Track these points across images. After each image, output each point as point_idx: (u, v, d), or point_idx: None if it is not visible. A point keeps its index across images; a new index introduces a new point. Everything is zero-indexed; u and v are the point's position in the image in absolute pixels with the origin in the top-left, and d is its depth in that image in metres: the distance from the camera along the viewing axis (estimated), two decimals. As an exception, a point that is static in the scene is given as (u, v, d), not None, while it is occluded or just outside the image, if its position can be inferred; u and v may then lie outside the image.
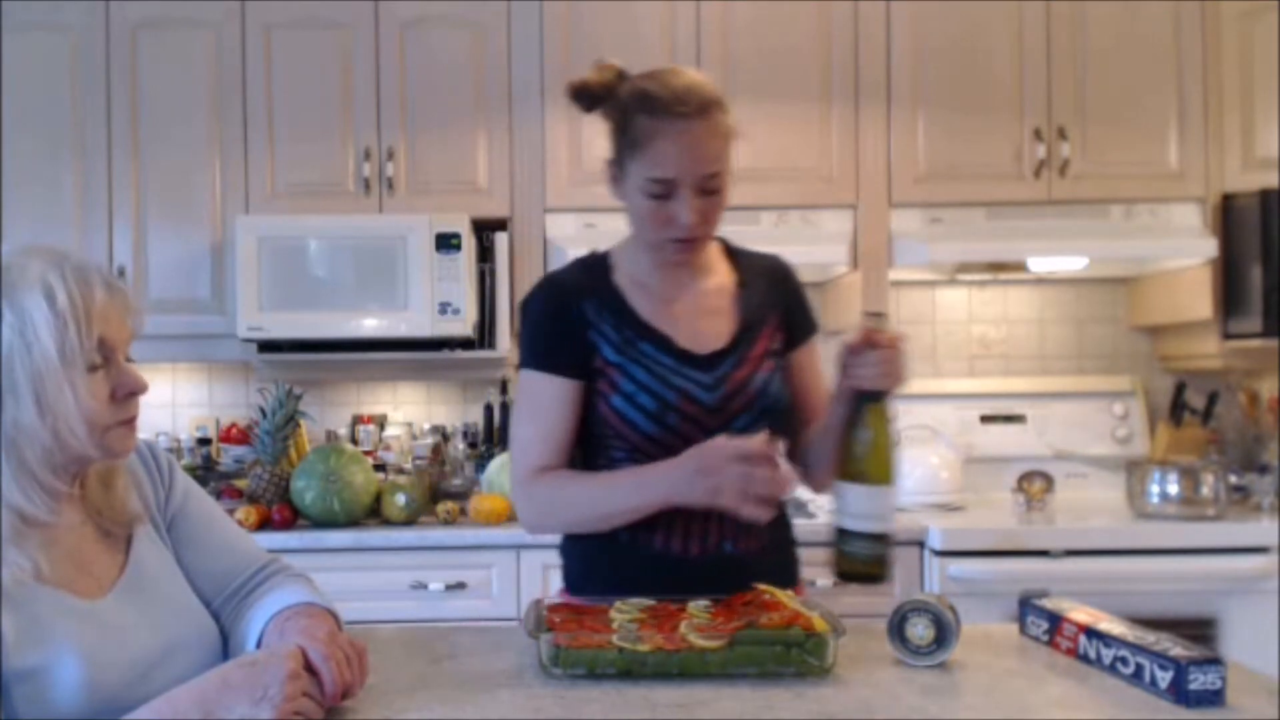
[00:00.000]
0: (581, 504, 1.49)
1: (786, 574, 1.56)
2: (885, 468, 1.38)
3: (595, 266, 1.58)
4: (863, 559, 1.36)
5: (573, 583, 1.57)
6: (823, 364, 1.64)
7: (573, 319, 1.51)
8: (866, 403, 1.39)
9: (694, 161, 1.43)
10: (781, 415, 1.55)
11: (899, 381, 1.40)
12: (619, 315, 1.52)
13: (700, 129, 1.43)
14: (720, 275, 1.60)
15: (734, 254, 1.64)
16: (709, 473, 1.36)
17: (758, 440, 1.37)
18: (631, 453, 1.48)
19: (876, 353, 1.38)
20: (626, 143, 1.46)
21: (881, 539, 1.37)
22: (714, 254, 1.61)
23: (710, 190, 1.46)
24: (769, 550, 1.54)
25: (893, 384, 1.40)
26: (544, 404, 1.50)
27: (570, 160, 2.88)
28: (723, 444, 1.37)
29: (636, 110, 1.45)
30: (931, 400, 3.09)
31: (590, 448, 1.54)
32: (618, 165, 1.50)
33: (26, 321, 1.04)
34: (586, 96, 1.51)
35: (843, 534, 1.38)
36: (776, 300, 1.61)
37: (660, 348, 1.50)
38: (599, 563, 1.52)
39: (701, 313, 1.55)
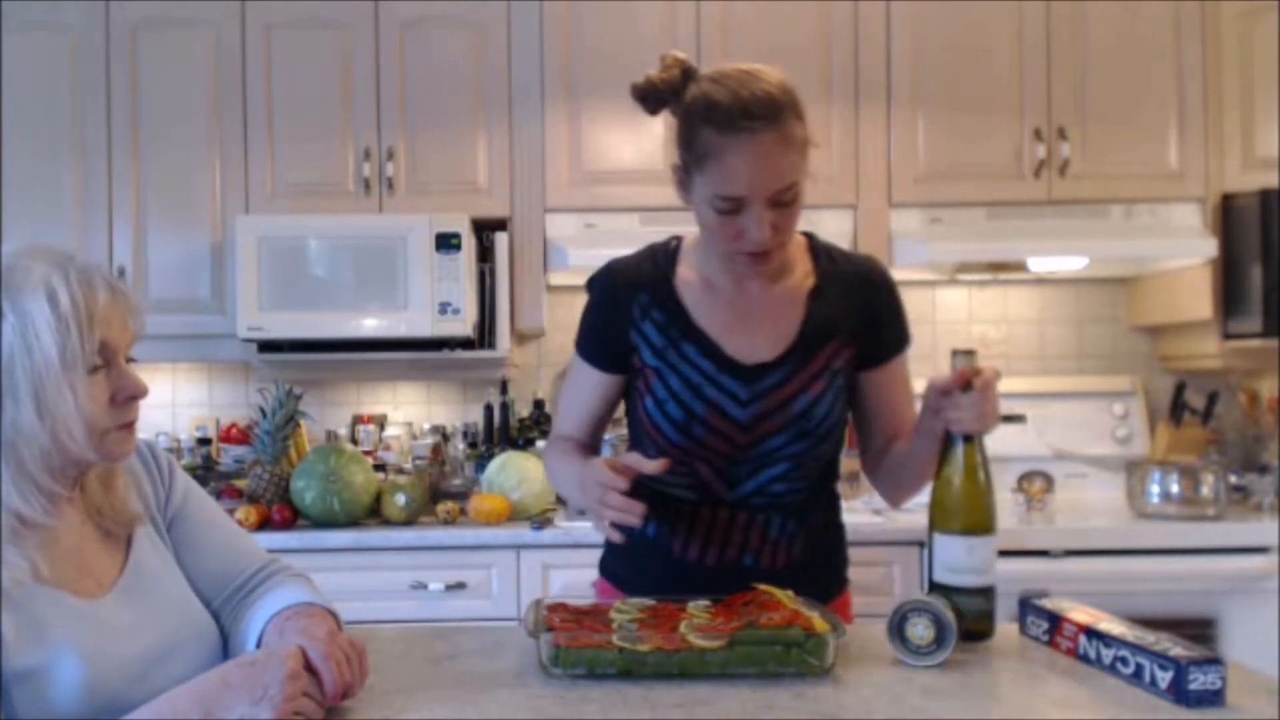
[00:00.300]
0: (551, 474, 1.59)
1: (817, 594, 1.44)
2: (984, 515, 1.31)
3: (662, 257, 1.53)
4: (971, 616, 1.29)
5: (604, 563, 1.63)
6: (909, 378, 1.58)
7: (620, 314, 1.50)
8: (959, 446, 1.32)
9: (765, 178, 1.33)
10: (829, 439, 1.49)
11: (994, 423, 1.31)
12: (669, 314, 1.48)
13: (771, 142, 1.33)
14: (798, 276, 1.50)
15: (819, 253, 1.53)
16: (584, 489, 1.38)
17: (613, 474, 1.32)
18: (661, 454, 1.45)
19: (970, 394, 1.30)
20: (693, 157, 1.37)
21: (985, 593, 1.30)
22: (797, 251, 1.52)
23: (784, 202, 1.36)
24: (798, 567, 1.49)
25: (988, 426, 1.31)
26: (579, 385, 1.58)
27: (570, 160, 2.88)
28: (599, 466, 1.35)
29: (703, 122, 1.35)
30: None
31: (635, 436, 1.57)
32: (685, 173, 1.41)
33: (28, 323, 1.03)
34: (653, 98, 1.43)
35: (942, 590, 1.31)
36: (856, 311, 1.49)
37: (704, 352, 1.46)
38: (627, 554, 1.56)
39: (763, 319, 1.47)
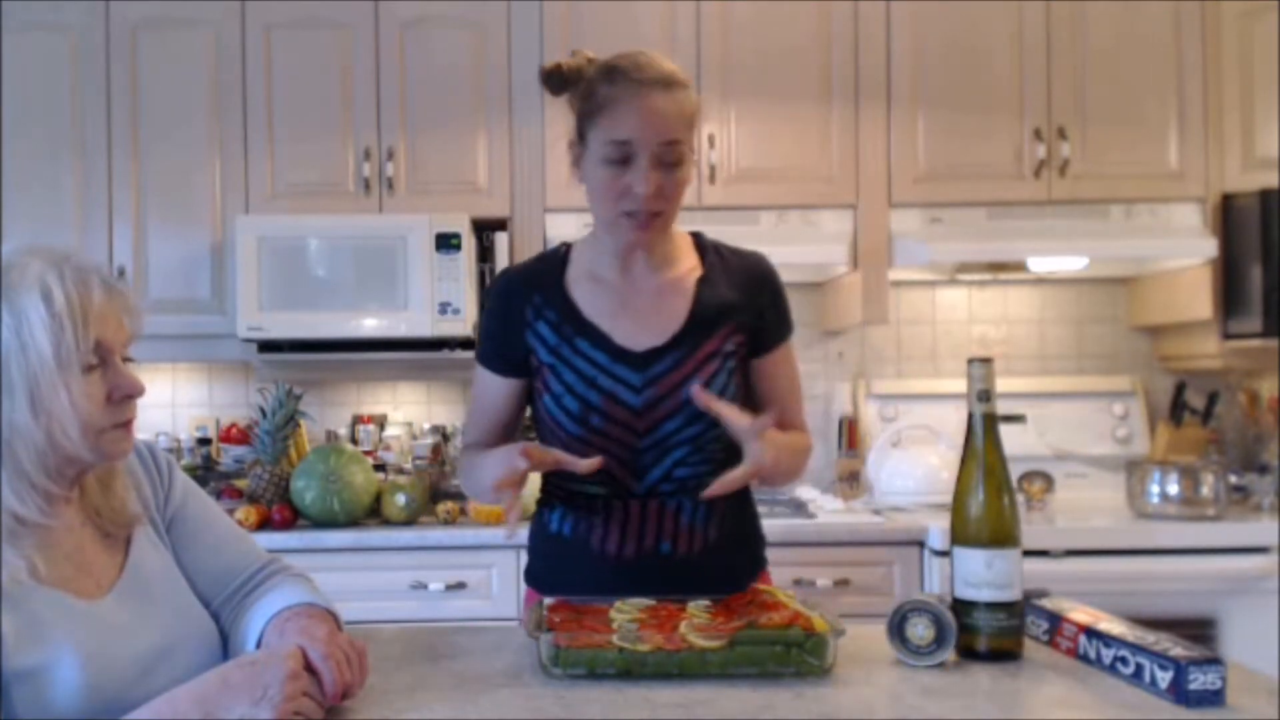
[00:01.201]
0: (468, 479, 1.59)
1: (735, 575, 1.52)
2: (1003, 527, 1.26)
3: (552, 259, 1.60)
4: (991, 633, 1.24)
5: (529, 572, 1.63)
6: (796, 365, 1.63)
7: (514, 319, 1.55)
8: (977, 455, 1.28)
9: (652, 127, 1.42)
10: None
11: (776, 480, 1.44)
12: (560, 312, 1.53)
13: (660, 97, 1.43)
14: (684, 269, 1.56)
15: (705, 248, 1.60)
16: (498, 467, 1.41)
17: (527, 456, 1.39)
18: (565, 449, 1.48)
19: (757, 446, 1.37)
20: (587, 112, 1.47)
21: (1008, 609, 1.24)
22: (683, 246, 1.59)
23: (670, 163, 1.44)
24: (714, 550, 1.53)
25: (769, 481, 1.43)
26: (484, 393, 1.60)
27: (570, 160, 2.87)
28: (518, 448, 1.41)
29: (600, 81, 1.46)
30: (931, 400, 3.09)
31: (540, 435, 1.59)
32: (580, 141, 1.50)
33: (23, 321, 1.03)
34: (557, 79, 1.53)
35: (965, 605, 1.25)
36: (745, 300, 1.55)
37: (596, 344, 1.51)
38: (550, 556, 1.59)
39: (650, 307, 1.53)
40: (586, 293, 1.54)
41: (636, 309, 1.53)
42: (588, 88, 1.48)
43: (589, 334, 1.51)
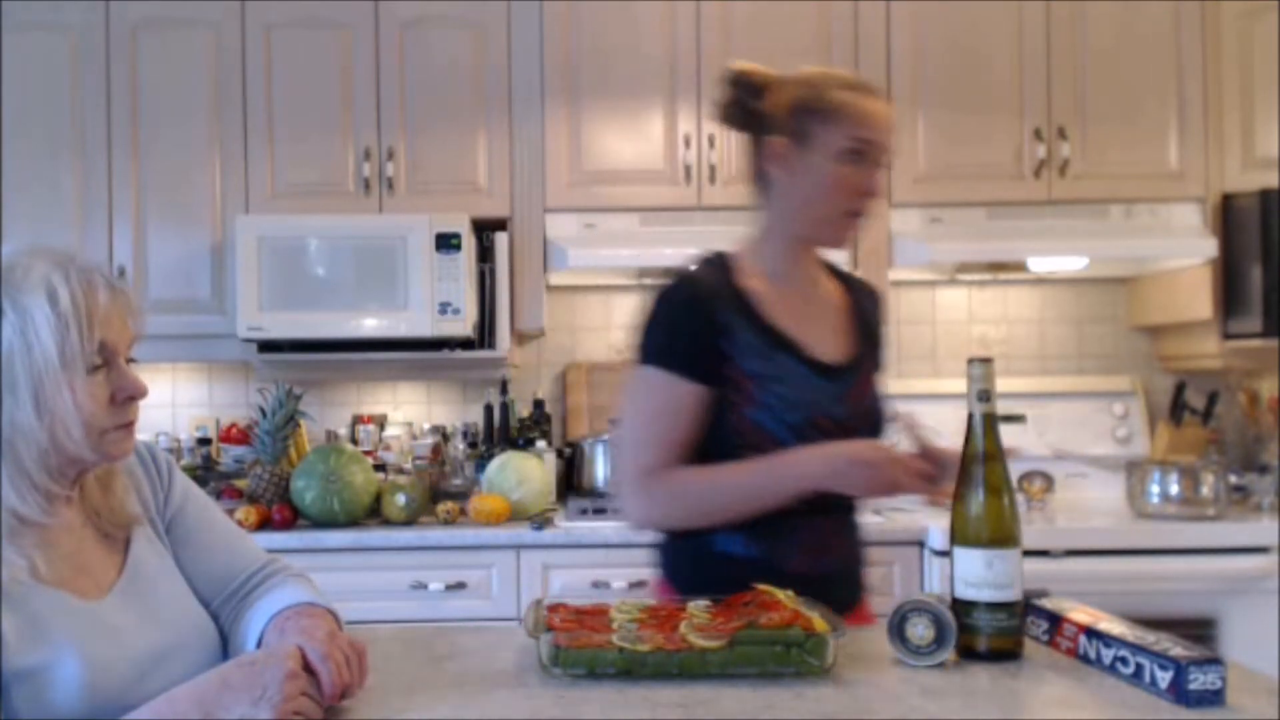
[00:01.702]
0: (715, 495, 1.45)
1: (863, 591, 1.59)
2: (1004, 527, 1.25)
3: (721, 267, 1.54)
4: (991, 633, 1.23)
5: (668, 567, 1.56)
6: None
7: (710, 323, 1.46)
8: (978, 456, 1.28)
9: (887, 131, 1.50)
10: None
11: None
12: (751, 321, 1.49)
13: (887, 108, 1.52)
14: (828, 286, 1.61)
15: (832, 268, 1.65)
16: (870, 464, 1.39)
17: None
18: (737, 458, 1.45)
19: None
20: (815, 114, 1.49)
21: (1008, 609, 1.24)
22: (817, 263, 1.62)
23: (884, 168, 1.52)
24: (860, 565, 1.59)
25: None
26: (669, 406, 1.46)
27: (570, 160, 2.88)
28: (866, 445, 1.42)
29: (828, 85, 1.50)
30: (932, 400, 3.08)
31: (713, 456, 1.47)
32: (797, 140, 1.50)
33: (28, 321, 1.04)
34: (749, 85, 1.53)
35: (965, 605, 1.25)
36: (876, 323, 1.64)
37: (795, 356, 1.49)
38: (712, 580, 1.41)
39: (823, 319, 1.57)
40: (771, 302, 1.52)
41: (814, 320, 1.54)
42: (809, 90, 1.50)
43: (789, 346, 1.49)
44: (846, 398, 1.50)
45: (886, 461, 1.39)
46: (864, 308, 1.62)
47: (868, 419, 1.53)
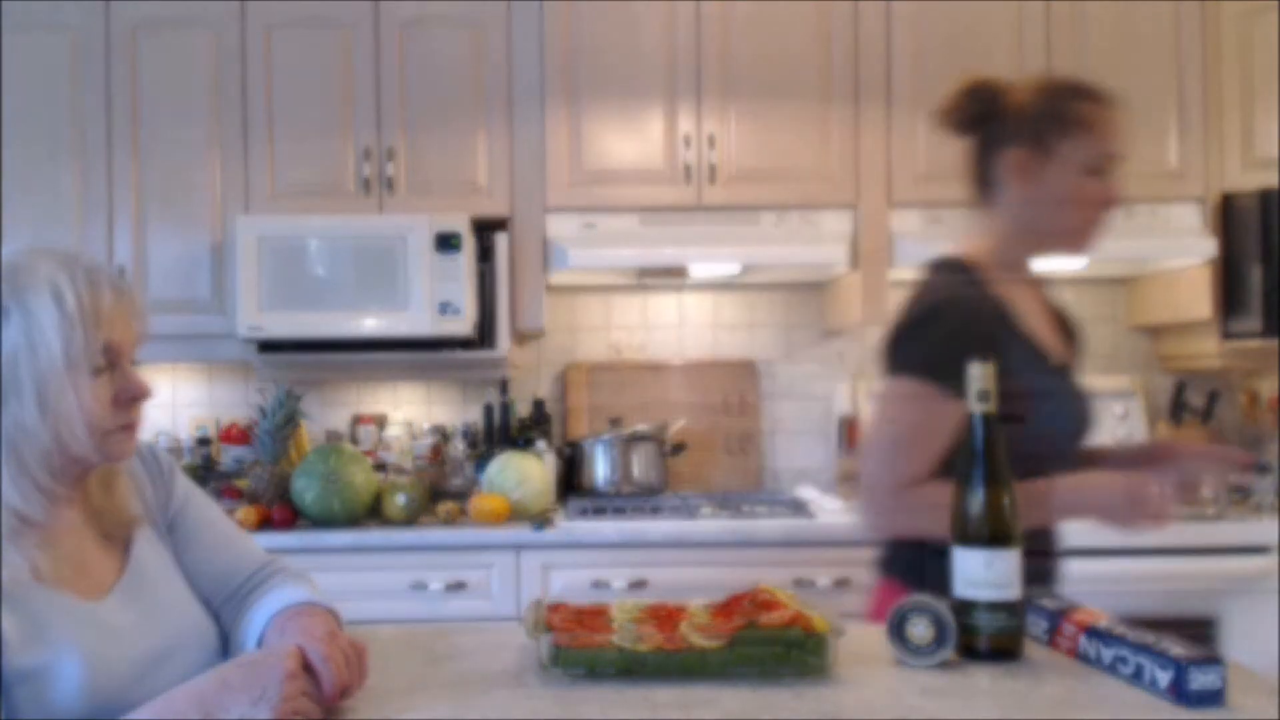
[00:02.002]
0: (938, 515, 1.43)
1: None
2: (1004, 526, 1.25)
3: (968, 276, 1.54)
4: (991, 633, 1.23)
5: (895, 562, 1.58)
6: None
7: (984, 339, 1.41)
8: (977, 454, 1.28)
9: (1124, 144, 1.52)
10: None
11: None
12: (1014, 332, 1.50)
13: (1123, 114, 1.53)
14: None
15: None
16: (1144, 503, 1.38)
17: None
18: (1035, 472, 1.41)
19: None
20: (1056, 127, 1.50)
21: (1008, 609, 1.24)
22: None
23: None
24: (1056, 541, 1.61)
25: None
26: (932, 420, 1.44)
27: (570, 160, 2.88)
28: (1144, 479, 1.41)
29: (1070, 96, 1.51)
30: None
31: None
32: (1039, 149, 1.51)
33: (33, 322, 1.04)
34: (984, 95, 1.54)
35: (966, 606, 1.24)
36: (1070, 318, 1.67)
37: (1050, 363, 1.53)
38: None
39: (1049, 326, 1.59)
40: (1027, 314, 1.55)
41: (1045, 326, 1.58)
42: (1051, 103, 1.52)
43: (1046, 354, 1.53)
44: (1085, 399, 1.56)
45: (1159, 499, 1.37)
46: (1056, 304, 1.66)
47: (1091, 423, 1.57)
